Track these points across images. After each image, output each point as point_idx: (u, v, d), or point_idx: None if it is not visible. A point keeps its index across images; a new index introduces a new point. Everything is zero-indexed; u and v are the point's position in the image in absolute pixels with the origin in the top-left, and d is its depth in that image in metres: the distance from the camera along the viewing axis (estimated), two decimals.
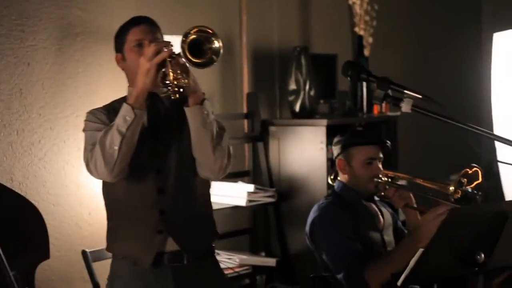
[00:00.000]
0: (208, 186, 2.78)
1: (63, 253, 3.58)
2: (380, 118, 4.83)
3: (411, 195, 3.18)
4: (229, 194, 4.10)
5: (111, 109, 2.64)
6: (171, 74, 2.45)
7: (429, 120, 2.30)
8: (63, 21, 3.61)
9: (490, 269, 2.29)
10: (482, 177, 2.96)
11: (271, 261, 4.22)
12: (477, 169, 2.98)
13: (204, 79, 3.75)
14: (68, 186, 3.61)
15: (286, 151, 4.40)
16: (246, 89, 4.49)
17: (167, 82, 2.47)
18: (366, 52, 5.09)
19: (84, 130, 2.65)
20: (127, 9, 3.65)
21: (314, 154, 4.28)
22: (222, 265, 2.95)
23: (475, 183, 2.97)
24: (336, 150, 3.32)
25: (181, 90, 2.47)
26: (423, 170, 4.14)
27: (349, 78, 2.42)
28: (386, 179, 3.23)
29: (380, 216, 3.29)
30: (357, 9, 5.05)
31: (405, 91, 2.27)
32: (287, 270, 4.34)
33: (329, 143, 4.10)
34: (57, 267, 3.55)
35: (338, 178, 3.34)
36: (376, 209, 3.30)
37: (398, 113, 4.76)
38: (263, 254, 4.40)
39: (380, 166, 3.26)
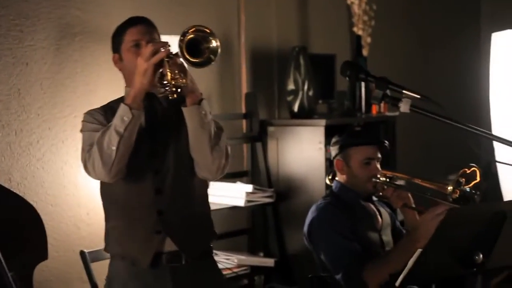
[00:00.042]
0: (206, 186, 2.78)
1: (61, 253, 3.57)
2: (378, 118, 4.83)
3: (410, 195, 3.18)
4: (227, 195, 4.09)
5: (109, 110, 2.64)
6: (168, 74, 2.45)
7: (427, 120, 2.30)
8: (62, 21, 3.61)
9: (488, 269, 2.28)
10: (480, 177, 2.97)
11: (269, 262, 4.22)
12: (475, 168, 2.98)
13: (202, 79, 3.75)
14: (66, 186, 3.61)
15: (284, 151, 4.40)
16: (244, 89, 4.49)
17: (165, 82, 2.47)
18: (365, 52, 5.09)
19: (81, 130, 2.65)
20: (125, 9, 3.65)
21: (313, 154, 4.28)
22: (220, 266, 2.95)
23: (473, 182, 2.98)
24: (334, 150, 3.32)
25: (179, 90, 2.47)
26: (421, 170, 4.13)
27: (347, 78, 2.42)
28: (384, 179, 3.23)
29: (378, 216, 3.29)
30: (356, 9, 5.05)
31: (404, 91, 2.27)
32: (286, 270, 4.33)
33: (327, 143, 4.09)
34: (55, 268, 3.54)
35: (336, 178, 3.34)
36: (374, 209, 3.30)
37: (397, 113, 4.75)
38: (261, 254, 4.40)
39: (378, 166, 3.26)
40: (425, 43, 5.91)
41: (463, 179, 2.98)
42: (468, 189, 2.97)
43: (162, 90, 2.51)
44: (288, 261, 4.36)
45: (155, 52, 2.46)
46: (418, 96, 2.25)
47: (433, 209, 2.92)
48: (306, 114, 4.45)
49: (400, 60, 5.61)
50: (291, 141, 4.38)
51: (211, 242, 2.80)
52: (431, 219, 2.87)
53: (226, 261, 4.04)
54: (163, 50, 2.47)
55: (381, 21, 5.19)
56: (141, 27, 2.66)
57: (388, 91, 2.30)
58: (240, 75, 4.49)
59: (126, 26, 2.68)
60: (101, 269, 3.02)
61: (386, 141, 3.32)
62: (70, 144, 3.60)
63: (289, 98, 4.48)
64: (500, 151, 4.79)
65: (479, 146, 4.94)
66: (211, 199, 2.84)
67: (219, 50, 2.49)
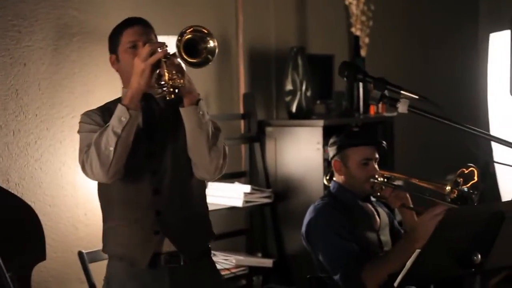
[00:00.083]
0: (204, 187, 2.78)
1: (59, 254, 3.57)
2: (376, 118, 4.83)
3: (408, 195, 3.18)
4: (225, 195, 4.10)
5: (106, 111, 2.64)
6: (166, 74, 2.45)
7: (425, 120, 2.30)
8: (59, 22, 3.61)
9: (487, 269, 2.28)
10: (478, 177, 2.97)
11: (267, 262, 4.22)
12: (473, 168, 2.98)
13: (200, 79, 3.75)
14: (64, 187, 3.61)
15: (282, 151, 4.40)
16: (242, 89, 4.49)
17: (162, 82, 2.47)
18: (363, 53, 5.09)
19: (79, 131, 2.65)
20: (123, 9, 3.65)
21: (311, 154, 4.29)
22: (218, 266, 2.95)
23: (471, 182, 2.98)
24: (332, 151, 3.31)
25: (176, 90, 2.47)
26: (419, 171, 4.14)
27: (345, 79, 2.41)
28: (382, 179, 3.23)
29: (377, 216, 3.29)
30: (354, 9, 5.06)
31: (402, 92, 2.27)
32: (284, 271, 4.33)
33: (325, 143, 4.09)
34: (53, 268, 3.54)
35: (334, 178, 3.34)
36: (373, 209, 3.30)
37: (395, 114, 4.76)
38: (259, 255, 4.40)
39: (376, 166, 3.26)
40: (423, 44, 5.91)
41: (461, 179, 2.98)
42: (466, 189, 2.98)
43: (160, 90, 2.50)
44: (287, 262, 4.36)
45: (152, 53, 2.46)
46: (416, 97, 2.25)
47: (432, 209, 2.92)
48: (304, 115, 4.45)
49: (398, 60, 5.61)
50: (289, 141, 4.38)
51: (209, 243, 2.80)
52: (430, 219, 2.87)
53: (225, 261, 4.04)
54: (161, 50, 2.46)
55: (379, 22, 5.19)
56: (138, 28, 2.65)
57: (386, 92, 2.30)
58: (238, 75, 4.49)
59: (123, 27, 2.68)
60: (99, 269, 3.02)
61: (384, 142, 3.32)
62: (68, 144, 3.59)
63: (287, 99, 4.49)
64: (498, 152, 4.79)
65: (477, 147, 4.95)
66: (209, 199, 2.84)
67: (217, 51, 2.49)
